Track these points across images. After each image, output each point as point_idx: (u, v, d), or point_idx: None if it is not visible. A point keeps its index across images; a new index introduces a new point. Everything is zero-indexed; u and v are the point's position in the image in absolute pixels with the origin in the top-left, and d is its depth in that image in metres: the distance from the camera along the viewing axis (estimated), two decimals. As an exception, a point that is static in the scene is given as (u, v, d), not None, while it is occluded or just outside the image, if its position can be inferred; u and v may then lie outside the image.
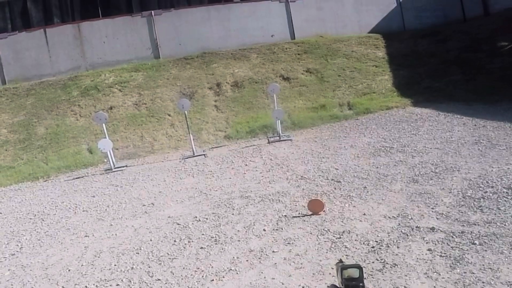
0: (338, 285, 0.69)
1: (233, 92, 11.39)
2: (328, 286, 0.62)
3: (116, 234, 5.08)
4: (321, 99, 10.52)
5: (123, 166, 8.55)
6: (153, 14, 13.71)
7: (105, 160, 8.85)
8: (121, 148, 9.62)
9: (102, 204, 6.40)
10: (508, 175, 5.06)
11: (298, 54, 12.78)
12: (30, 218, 6.24)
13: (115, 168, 8.42)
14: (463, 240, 3.74)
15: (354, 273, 0.67)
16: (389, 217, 4.42)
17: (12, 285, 4.17)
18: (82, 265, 4.38)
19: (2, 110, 11.89)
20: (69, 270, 4.32)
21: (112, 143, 8.41)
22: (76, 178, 8.40)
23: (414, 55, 11.91)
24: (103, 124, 8.41)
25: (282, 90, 10.60)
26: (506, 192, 4.59)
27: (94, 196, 6.88)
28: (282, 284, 3.47)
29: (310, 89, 11.11)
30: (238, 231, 4.65)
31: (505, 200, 4.41)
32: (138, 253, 4.46)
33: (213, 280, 3.69)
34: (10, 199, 7.57)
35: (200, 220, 5.12)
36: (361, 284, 0.67)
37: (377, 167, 6.10)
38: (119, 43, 13.82)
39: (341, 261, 0.68)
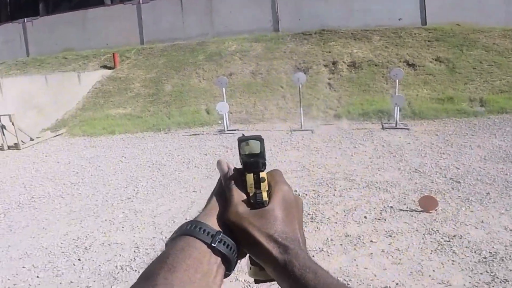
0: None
1: (349, 72, 11.01)
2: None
3: (220, 195, 5.33)
4: (449, 91, 9.56)
5: (235, 130, 8.96)
6: (276, -12, 13.82)
7: (220, 122, 9.35)
8: (235, 112, 10.06)
9: (212, 162, 6.75)
10: None
11: (428, 41, 11.73)
12: (149, 166, 6.86)
13: (227, 130, 8.87)
14: None
15: (255, 147, 0.52)
16: (511, 230, 3.87)
17: (123, 227, 4.54)
18: (186, 219, 4.58)
19: (138, 67, 13.32)
20: (174, 222, 4.56)
21: (228, 107, 8.83)
22: (193, 134, 9.05)
23: None
24: (223, 88, 8.85)
25: (405, 77, 9.87)
26: None
27: (206, 154, 7.32)
28: (375, 276, 3.27)
29: (437, 79, 10.16)
30: (337, 213, 4.50)
31: None
32: (236, 217, 4.62)
33: (301, 257, 3.66)
34: (134, 145, 8.48)
35: (299, 195, 5.10)
36: (261, 160, 0.51)
37: (506, 174, 5.34)
38: (243, 14, 14.32)
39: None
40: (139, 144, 8.54)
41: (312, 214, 4.51)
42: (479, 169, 5.62)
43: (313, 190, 5.23)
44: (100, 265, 3.75)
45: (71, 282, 3.52)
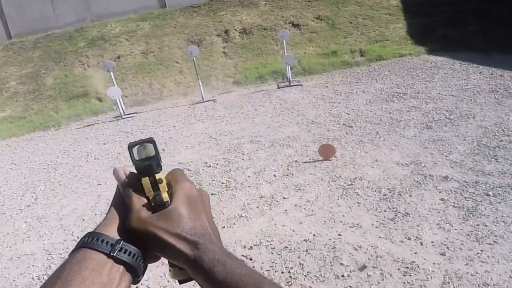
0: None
1: (241, 39, 11.16)
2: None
3: (128, 181, 5.12)
4: (332, 46, 10.21)
5: (133, 113, 8.57)
6: (155, -41, 13.20)
7: (115, 108, 8.85)
8: (130, 95, 9.59)
9: (113, 151, 6.44)
10: (526, 123, 4.91)
11: (308, 1, 12.32)
12: (44, 168, 6.30)
13: (125, 115, 8.44)
14: (477, 190, 3.66)
15: (148, 150, 0.54)
16: (402, 164, 4.34)
17: (29, 237, 4.23)
18: (95, 214, 4.42)
19: (10, 63, 11.89)
20: (83, 220, 4.36)
21: (121, 91, 8.35)
22: (87, 126, 8.44)
23: (430, 4, 11.25)
24: (111, 72, 8.32)
25: (292, 37, 10.31)
26: (523, 141, 4.45)
27: (105, 144, 6.91)
28: (293, 231, 3.47)
29: (320, 35, 10.78)
30: (249, 176, 4.64)
31: (521, 150, 4.27)
32: (150, 198, 4.50)
33: (224, 227, 3.71)
34: (23, 149, 7.66)
35: (210, 166, 5.12)
36: (155, 162, 0.55)
37: (390, 113, 5.96)
38: (123, -7, 13.46)
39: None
40: (28, 147, 7.73)
41: (226, 182, 4.58)
42: (366, 112, 6.17)
43: (223, 158, 5.28)
44: (14, 280, 3.49)
45: (-11, 304, 3.20)
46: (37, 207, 4.94)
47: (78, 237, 3.97)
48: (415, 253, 2.99)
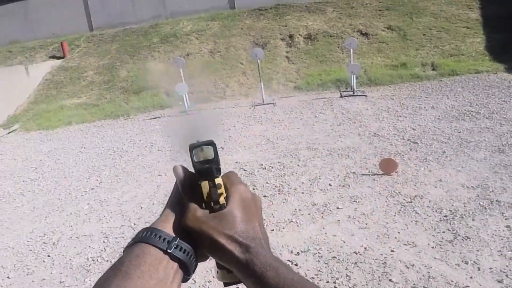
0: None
1: (305, 45, 11.14)
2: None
3: (186, 175, 5.30)
4: (402, 58, 9.85)
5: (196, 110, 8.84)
6: (231, -37, 13.59)
7: (180, 103, 9.20)
8: (196, 92, 9.91)
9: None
10: None
11: (379, 10, 12.00)
12: (110, 154, 6.68)
13: (189, 111, 8.72)
14: (548, 221, 3.35)
15: (208, 153, 0.50)
16: (468, 187, 4.07)
17: (89, 219, 4.44)
18: (153, 204, 4.56)
19: (90, 54, 12.82)
20: (141, 208, 4.50)
21: (188, 87, 8.68)
22: (153, 118, 8.89)
23: (513, 18, 10.52)
24: (181, 69, 8.67)
25: (360, 46, 10.09)
26: None
27: (169, 137, 7.22)
28: (344, 242, 3.37)
29: (390, 46, 10.44)
30: (303, 183, 4.59)
31: None
32: (204, 195, 4.62)
33: (273, 230, 3.69)
34: (93, 134, 8.22)
35: (265, 168, 5.14)
36: (215, 166, 0.51)
37: (460, 132, 5.62)
38: (197, -7, 14.02)
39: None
40: (98, 133, 8.28)
41: (279, 186, 4.57)
42: (434, 129, 5.86)
43: (279, 162, 5.29)
44: (70, 259, 3.68)
45: (43, 279, 3.44)
46: (100, 190, 5.21)
47: (134, 224, 4.14)
48: (471, 277, 2.80)
